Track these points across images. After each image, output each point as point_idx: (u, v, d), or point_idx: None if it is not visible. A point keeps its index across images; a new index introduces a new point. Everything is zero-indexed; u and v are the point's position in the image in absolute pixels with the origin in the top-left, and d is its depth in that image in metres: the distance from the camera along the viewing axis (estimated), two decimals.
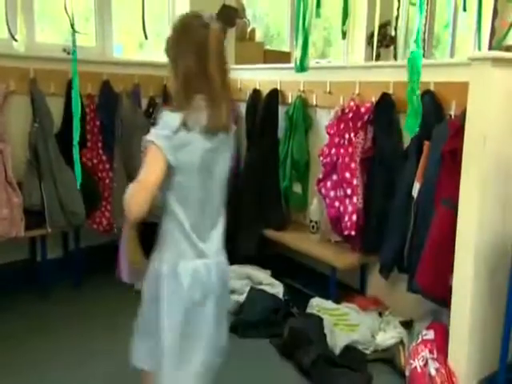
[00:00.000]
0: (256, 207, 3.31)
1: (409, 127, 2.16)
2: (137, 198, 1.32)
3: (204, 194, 1.43)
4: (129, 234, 1.49)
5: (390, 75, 2.64)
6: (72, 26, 2.26)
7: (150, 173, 1.33)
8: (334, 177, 2.78)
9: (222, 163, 1.46)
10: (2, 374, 2.26)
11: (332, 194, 2.79)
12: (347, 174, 2.67)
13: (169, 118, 1.35)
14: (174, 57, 1.42)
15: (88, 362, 2.36)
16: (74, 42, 2.32)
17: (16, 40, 2.85)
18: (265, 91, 3.38)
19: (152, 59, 3.80)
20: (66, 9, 2.27)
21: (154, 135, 1.34)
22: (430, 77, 2.43)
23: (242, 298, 2.86)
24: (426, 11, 4.99)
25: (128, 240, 1.50)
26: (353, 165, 2.67)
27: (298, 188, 3.23)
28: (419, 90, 2.02)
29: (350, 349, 2.39)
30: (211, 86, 1.36)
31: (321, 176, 2.87)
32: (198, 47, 1.37)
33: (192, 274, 1.42)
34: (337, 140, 2.78)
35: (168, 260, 1.43)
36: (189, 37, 1.38)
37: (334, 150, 2.78)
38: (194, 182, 1.40)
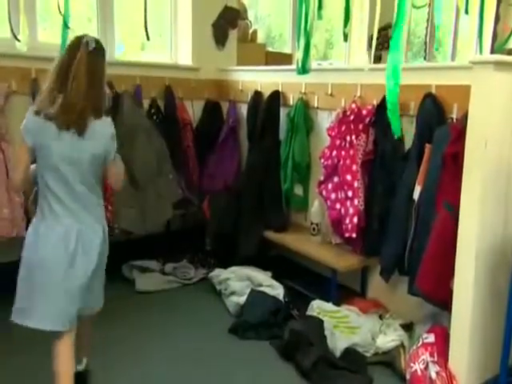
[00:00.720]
0: (257, 209, 3.31)
1: (396, 129, 2.28)
2: (15, 177, 1.87)
3: (65, 175, 1.79)
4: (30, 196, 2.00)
5: None
6: (65, 22, 2.27)
7: (19, 155, 1.82)
8: (335, 179, 2.78)
9: (90, 149, 1.80)
10: (2, 370, 2.27)
11: (333, 196, 2.79)
12: (348, 177, 2.67)
13: (29, 110, 1.79)
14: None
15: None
16: (64, 38, 2.32)
17: (18, 40, 2.85)
18: (266, 93, 3.38)
19: (154, 60, 3.82)
20: (59, 8, 2.28)
21: (23, 123, 1.78)
22: (431, 80, 2.43)
23: (242, 299, 2.85)
24: (428, 14, 5.00)
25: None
26: (354, 167, 2.67)
27: (299, 190, 3.23)
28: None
29: (350, 351, 2.39)
30: (69, 94, 1.75)
31: (322, 178, 2.87)
32: (66, 62, 1.79)
33: (48, 235, 1.79)
34: (338, 142, 2.78)
35: (34, 222, 1.85)
36: (65, 53, 1.83)
37: (335, 152, 2.78)
38: (53, 162, 1.77)
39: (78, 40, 1.81)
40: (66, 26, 2.27)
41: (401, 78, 2.21)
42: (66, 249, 1.79)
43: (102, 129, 1.83)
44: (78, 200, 1.82)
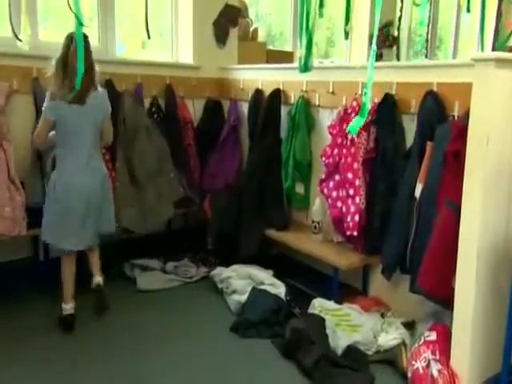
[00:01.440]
0: (258, 207, 3.31)
1: (352, 127, 2.31)
2: (37, 139, 2.62)
3: (77, 136, 2.57)
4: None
5: (392, 75, 2.64)
6: (78, 20, 2.23)
7: (41, 125, 2.58)
8: (337, 177, 2.78)
9: (92, 117, 2.61)
10: (3, 370, 2.27)
11: (334, 194, 2.79)
12: (349, 175, 2.67)
13: (47, 95, 2.55)
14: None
15: (89, 360, 2.37)
16: (79, 36, 2.29)
17: (20, 39, 2.85)
18: (267, 91, 3.38)
19: (154, 59, 3.82)
20: (69, 5, 2.24)
21: (44, 104, 2.55)
22: (432, 77, 2.43)
23: (243, 298, 2.85)
24: (429, 11, 4.99)
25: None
26: (355, 165, 2.66)
27: (300, 188, 3.23)
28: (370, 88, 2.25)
29: (351, 349, 2.39)
30: (70, 77, 2.47)
31: (323, 176, 2.87)
32: (64, 56, 2.51)
33: (65, 184, 2.56)
34: (339, 140, 2.78)
35: (54, 175, 2.58)
36: (62, 49, 2.53)
37: (336, 151, 2.78)
38: (68, 129, 2.55)
39: (69, 37, 2.50)
40: (80, 23, 2.24)
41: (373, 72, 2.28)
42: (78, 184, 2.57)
43: (100, 95, 2.65)
44: (86, 151, 2.59)
